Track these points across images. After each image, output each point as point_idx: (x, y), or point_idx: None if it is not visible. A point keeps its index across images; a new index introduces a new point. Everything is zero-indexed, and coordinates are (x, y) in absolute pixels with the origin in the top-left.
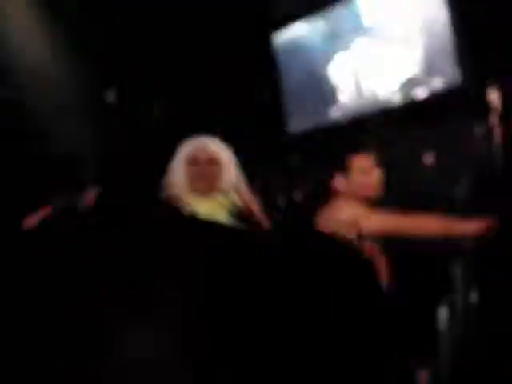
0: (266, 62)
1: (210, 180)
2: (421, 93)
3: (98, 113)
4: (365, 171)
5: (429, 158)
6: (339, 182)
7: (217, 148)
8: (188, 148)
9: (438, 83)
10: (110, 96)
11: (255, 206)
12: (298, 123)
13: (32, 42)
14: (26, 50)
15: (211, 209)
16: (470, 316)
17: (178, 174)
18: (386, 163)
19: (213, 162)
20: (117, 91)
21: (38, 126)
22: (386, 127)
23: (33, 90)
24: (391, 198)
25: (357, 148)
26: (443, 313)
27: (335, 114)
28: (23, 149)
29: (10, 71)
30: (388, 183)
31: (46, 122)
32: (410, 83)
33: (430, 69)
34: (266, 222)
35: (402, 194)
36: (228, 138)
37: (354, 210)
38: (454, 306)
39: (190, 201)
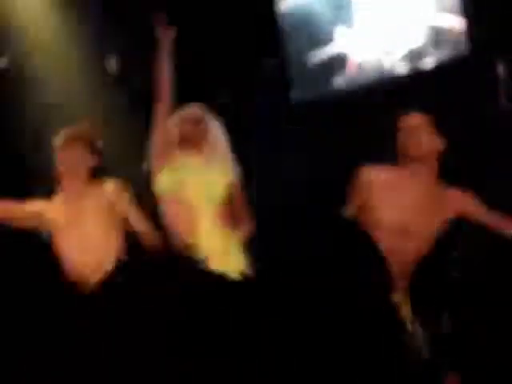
0: (270, 30)
1: (197, 138)
2: (428, 63)
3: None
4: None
5: None
6: None
7: (205, 115)
8: (177, 112)
9: (445, 54)
10: (112, 65)
11: (239, 193)
12: (301, 93)
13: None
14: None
15: (203, 180)
16: None
17: (167, 134)
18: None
19: (198, 122)
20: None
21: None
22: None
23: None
24: None
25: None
26: None
27: (340, 84)
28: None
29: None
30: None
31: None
32: (417, 53)
33: (437, 39)
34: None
35: None
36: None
37: None
38: None
39: (179, 157)
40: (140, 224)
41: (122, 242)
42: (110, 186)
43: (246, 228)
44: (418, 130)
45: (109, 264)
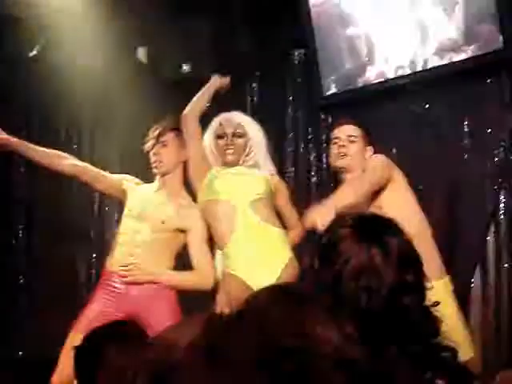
0: (300, 21)
1: (237, 152)
2: (459, 58)
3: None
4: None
5: None
6: None
7: (243, 121)
8: (216, 122)
9: (477, 48)
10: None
11: (284, 193)
12: (331, 85)
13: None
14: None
15: (241, 179)
16: None
17: (207, 147)
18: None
19: (239, 135)
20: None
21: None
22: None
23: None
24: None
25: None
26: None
27: (370, 76)
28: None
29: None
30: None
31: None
32: (448, 47)
33: (469, 33)
34: (294, 216)
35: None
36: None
37: None
38: None
39: (216, 174)
40: None
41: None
42: None
43: (296, 232)
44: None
45: None
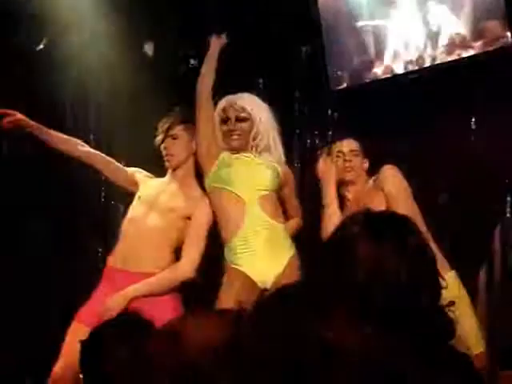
0: (308, 18)
1: (242, 137)
2: (467, 54)
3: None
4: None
5: None
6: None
7: (247, 104)
8: (219, 106)
9: (485, 44)
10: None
11: (290, 178)
12: (339, 81)
13: None
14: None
15: (250, 171)
16: None
17: (213, 129)
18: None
19: (243, 119)
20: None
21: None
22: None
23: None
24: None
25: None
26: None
27: (378, 72)
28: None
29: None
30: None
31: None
32: (456, 43)
33: (477, 29)
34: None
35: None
36: (268, 95)
37: None
38: None
39: (226, 160)
40: None
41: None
42: None
43: (296, 221)
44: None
45: None
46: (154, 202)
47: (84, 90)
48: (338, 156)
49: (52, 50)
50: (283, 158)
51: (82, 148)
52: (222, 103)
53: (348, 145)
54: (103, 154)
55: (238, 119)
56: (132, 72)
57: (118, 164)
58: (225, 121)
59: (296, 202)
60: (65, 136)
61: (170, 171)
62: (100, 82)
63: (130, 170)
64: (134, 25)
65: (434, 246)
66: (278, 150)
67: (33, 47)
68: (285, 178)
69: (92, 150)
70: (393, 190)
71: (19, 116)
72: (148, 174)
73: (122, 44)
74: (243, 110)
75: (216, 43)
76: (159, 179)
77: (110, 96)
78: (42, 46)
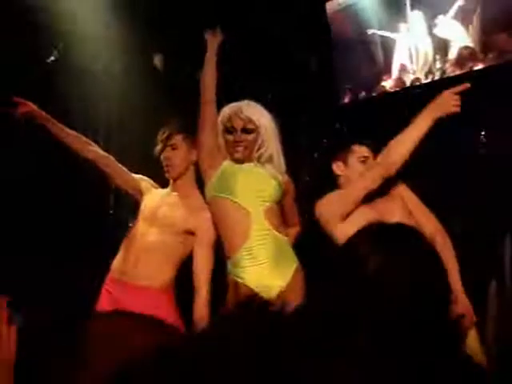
0: (318, 29)
1: (247, 149)
2: (476, 67)
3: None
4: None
5: None
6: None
7: (253, 114)
8: (224, 114)
9: (495, 57)
10: (158, 62)
11: (291, 187)
12: (346, 94)
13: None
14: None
15: (255, 182)
16: None
17: (215, 135)
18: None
19: (249, 130)
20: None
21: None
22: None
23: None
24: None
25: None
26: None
27: (387, 84)
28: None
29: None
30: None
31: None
32: (466, 57)
33: (486, 42)
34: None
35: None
36: (276, 107)
37: None
38: None
39: (229, 169)
40: None
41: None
42: None
43: (296, 230)
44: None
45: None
46: (154, 216)
47: (94, 102)
48: (362, 161)
49: (63, 61)
50: (284, 167)
51: (91, 148)
52: (226, 111)
53: (362, 151)
54: (112, 158)
55: (245, 130)
56: (141, 83)
57: (126, 170)
58: (229, 131)
59: (295, 210)
60: (76, 133)
61: (171, 181)
62: (109, 93)
63: (136, 176)
64: (144, 37)
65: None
66: (280, 159)
67: (44, 58)
68: (286, 187)
69: (102, 152)
70: (414, 197)
71: (33, 106)
72: (152, 182)
73: (131, 56)
74: (250, 120)
75: (212, 42)
76: (161, 190)
77: (119, 108)
78: (53, 58)
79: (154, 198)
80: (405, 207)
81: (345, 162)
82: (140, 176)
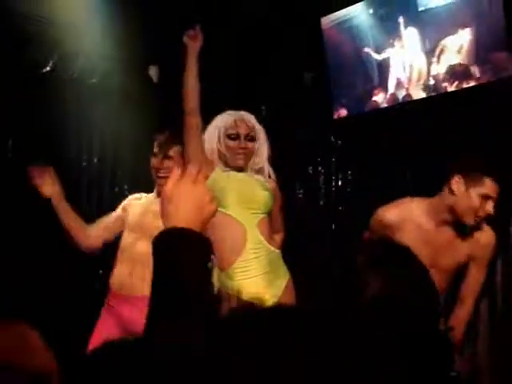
0: (313, 44)
1: (248, 157)
2: (469, 83)
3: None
4: None
5: None
6: None
7: (256, 123)
8: (229, 119)
9: (488, 73)
10: (153, 74)
11: (278, 196)
12: (342, 108)
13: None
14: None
15: (247, 193)
16: None
17: (215, 143)
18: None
19: (252, 138)
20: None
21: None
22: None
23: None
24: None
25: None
26: None
27: (382, 100)
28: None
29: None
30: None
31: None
32: (458, 72)
33: (480, 59)
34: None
35: None
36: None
37: None
38: None
39: (218, 178)
40: None
41: None
42: None
43: (280, 237)
44: None
45: None
46: (139, 226)
47: (88, 113)
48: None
49: (57, 73)
50: (273, 175)
51: (87, 234)
52: (230, 118)
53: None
54: (104, 222)
55: (248, 138)
56: (137, 96)
57: (111, 218)
58: (233, 137)
59: (281, 217)
60: (78, 218)
61: (155, 190)
62: (104, 105)
63: (118, 210)
64: (140, 49)
65: None
66: (270, 170)
67: (38, 70)
68: (275, 196)
69: (98, 233)
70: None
71: (57, 188)
72: (136, 195)
73: (127, 68)
74: (253, 128)
75: (192, 47)
76: (144, 199)
77: (114, 119)
78: (48, 69)
79: (136, 209)
80: None
81: (466, 186)
82: (121, 204)
